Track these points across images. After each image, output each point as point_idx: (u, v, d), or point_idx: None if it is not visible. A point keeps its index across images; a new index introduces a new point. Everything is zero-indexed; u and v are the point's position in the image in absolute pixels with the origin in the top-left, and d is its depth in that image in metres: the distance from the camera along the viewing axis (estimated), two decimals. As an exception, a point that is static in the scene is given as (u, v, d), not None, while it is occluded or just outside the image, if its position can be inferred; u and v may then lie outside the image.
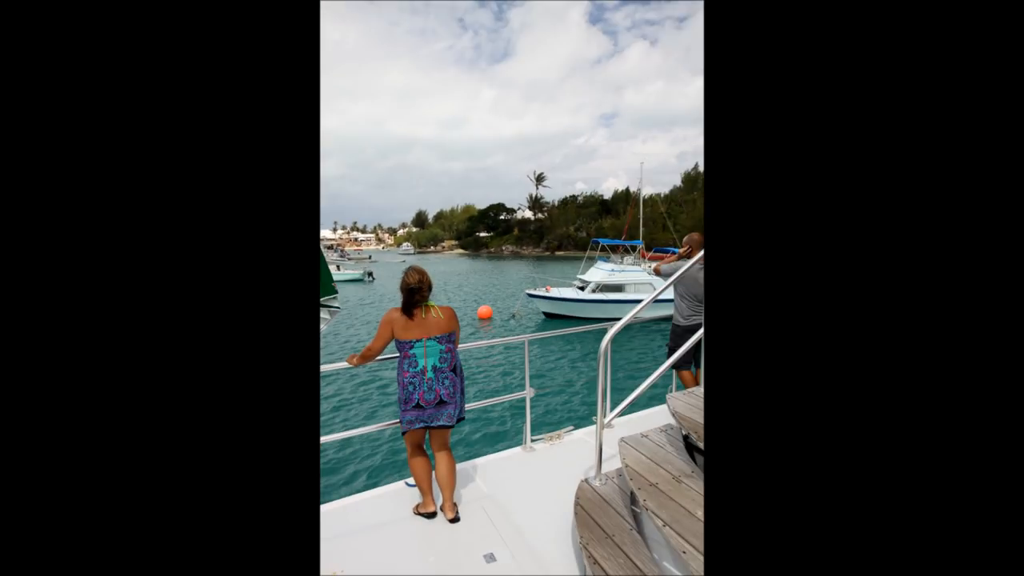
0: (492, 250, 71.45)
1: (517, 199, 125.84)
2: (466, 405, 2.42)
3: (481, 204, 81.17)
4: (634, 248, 21.19)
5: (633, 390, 2.41)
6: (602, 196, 69.97)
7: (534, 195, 74.76)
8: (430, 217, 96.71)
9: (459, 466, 2.69)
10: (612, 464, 2.27)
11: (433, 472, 2.26)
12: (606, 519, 1.92)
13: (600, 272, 17.44)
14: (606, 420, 2.28)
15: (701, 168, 68.47)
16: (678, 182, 68.61)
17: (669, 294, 3.65)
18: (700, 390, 2.56)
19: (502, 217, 76.62)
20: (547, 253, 63.76)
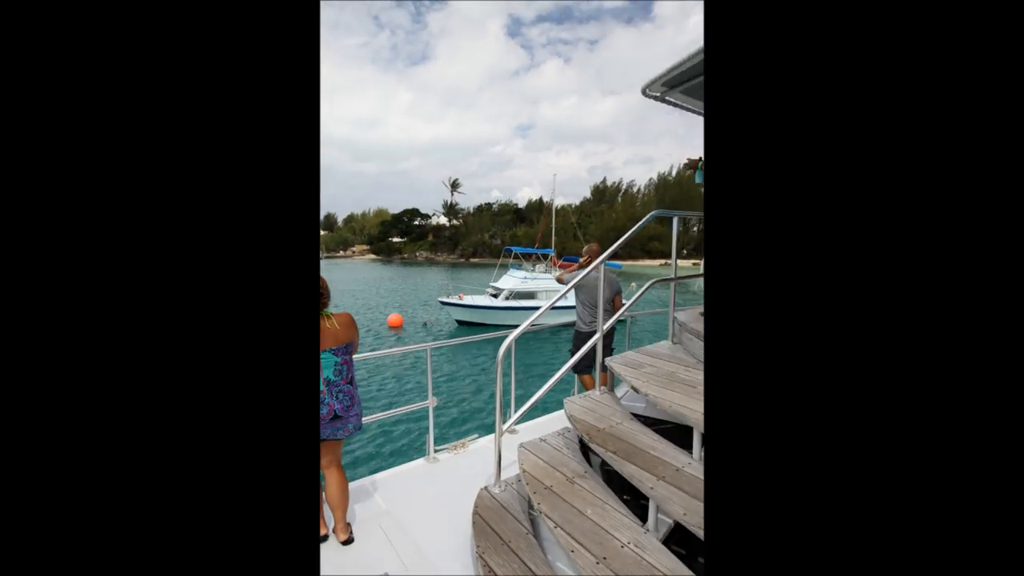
0: (405, 256, 69.70)
1: (432, 205, 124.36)
2: (365, 417, 2.31)
3: (395, 208, 79.00)
4: (546, 256, 21.88)
5: (525, 396, 2.46)
6: (517, 205, 71.45)
7: (449, 201, 74.34)
8: (339, 220, 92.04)
9: (358, 483, 2.56)
10: (515, 470, 2.30)
11: (323, 492, 2.12)
12: (503, 526, 1.93)
13: (513, 280, 17.74)
14: (505, 427, 2.30)
15: (610, 182, 72.75)
16: (588, 194, 72.31)
17: (572, 301, 3.81)
18: (596, 393, 2.69)
19: (416, 223, 75.07)
20: (462, 260, 63.57)
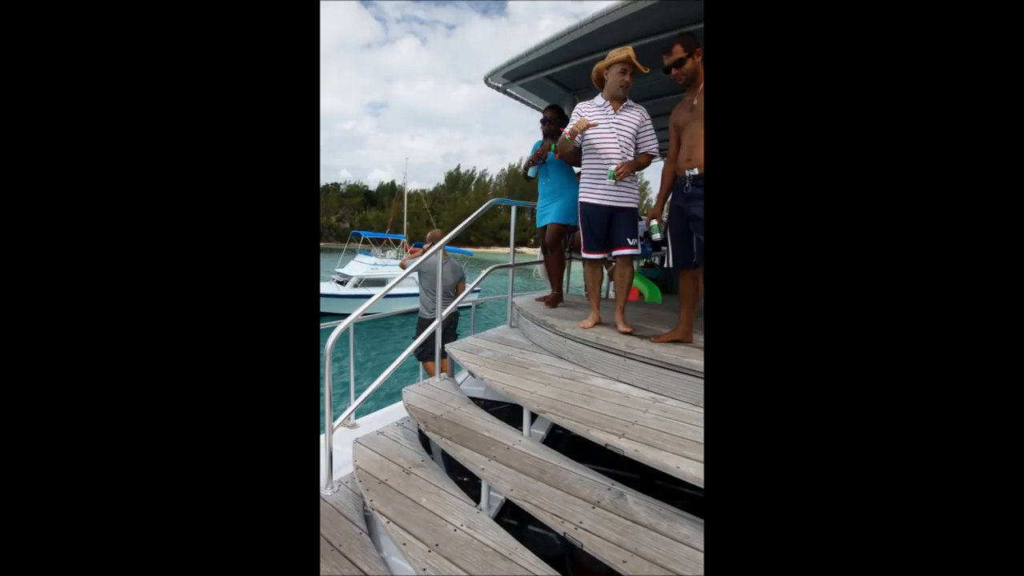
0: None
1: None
2: None
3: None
4: (397, 242, 21.19)
5: (382, 387, 2.34)
6: (368, 187, 67.70)
7: (288, 179, 66.71)
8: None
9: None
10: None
11: None
12: (335, 530, 1.80)
13: (362, 266, 16.79)
14: (337, 423, 2.15)
15: (464, 170, 73.32)
16: (442, 180, 71.91)
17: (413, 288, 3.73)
18: (436, 380, 2.68)
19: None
20: (305, 244, 57.81)
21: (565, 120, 3.01)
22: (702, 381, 1.95)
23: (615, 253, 2.46)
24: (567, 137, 2.30)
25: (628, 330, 2.36)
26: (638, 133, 2.35)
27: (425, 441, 2.29)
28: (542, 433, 2.02)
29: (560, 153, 2.55)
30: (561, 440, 2.00)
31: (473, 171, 73.24)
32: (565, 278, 3.46)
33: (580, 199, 2.45)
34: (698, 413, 1.89)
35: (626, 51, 2.24)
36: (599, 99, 2.38)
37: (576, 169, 2.99)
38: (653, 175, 2.41)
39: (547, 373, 2.30)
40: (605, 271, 2.78)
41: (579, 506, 1.53)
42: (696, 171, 2.01)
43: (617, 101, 2.34)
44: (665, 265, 2.31)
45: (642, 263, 5.37)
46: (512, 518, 1.79)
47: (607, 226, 2.41)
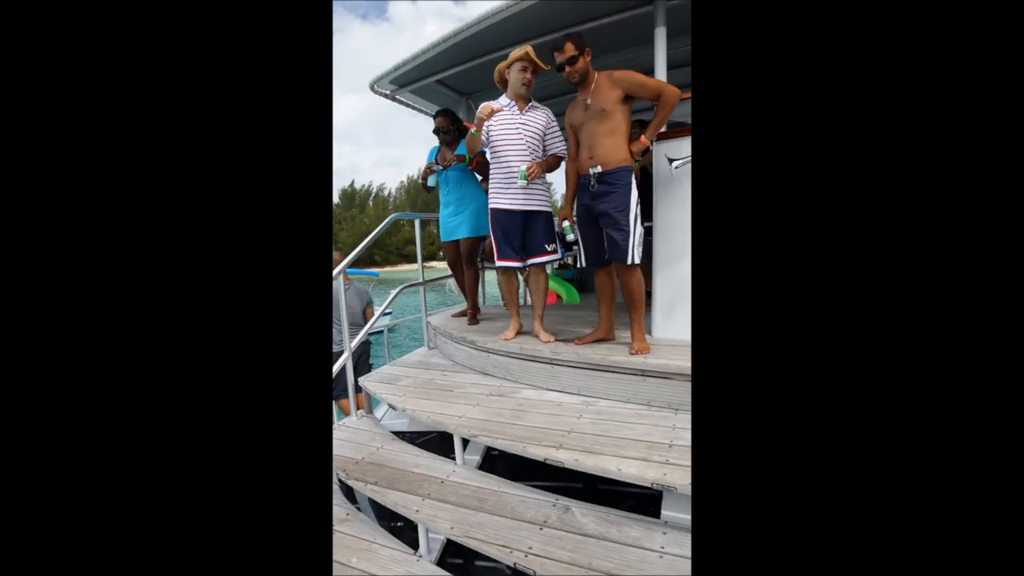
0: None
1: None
2: None
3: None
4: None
5: None
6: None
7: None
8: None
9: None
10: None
11: None
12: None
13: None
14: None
15: (359, 184, 70.50)
16: (336, 198, 68.43)
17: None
18: (353, 418, 2.43)
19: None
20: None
21: (458, 123, 2.91)
22: (630, 377, 1.96)
23: (533, 261, 2.40)
24: (474, 131, 2.20)
25: (550, 338, 2.32)
26: (545, 134, 2.32)
27: (348, 491, 2.04)
28: (477, 458, 1.90)
29: (471, 153, 2.41)
30: (498, 462, 1.89)
31: (369, 186, 70.74)
32: (480, 290, 3.37)
33: (491, 205, 2.35)
34: (630, 410, 1.89)
35: (525, 48, 2.21)
36: (503, 99, 2.32)
37: (480, 177, 2.91)
38: (554, 176, 2.39)
39: (474, 393, 2.19)
40: (521, 277, 2.73)
41: (526, 530, 1.43)
42: (599, 168, 2.02)
43: (522, 101, 2.30)
44: (578, 265, 2.30)
45: (556, 265, 5.47)
46: (457, 557, 1.65)
47: (522, 232, 2.35)
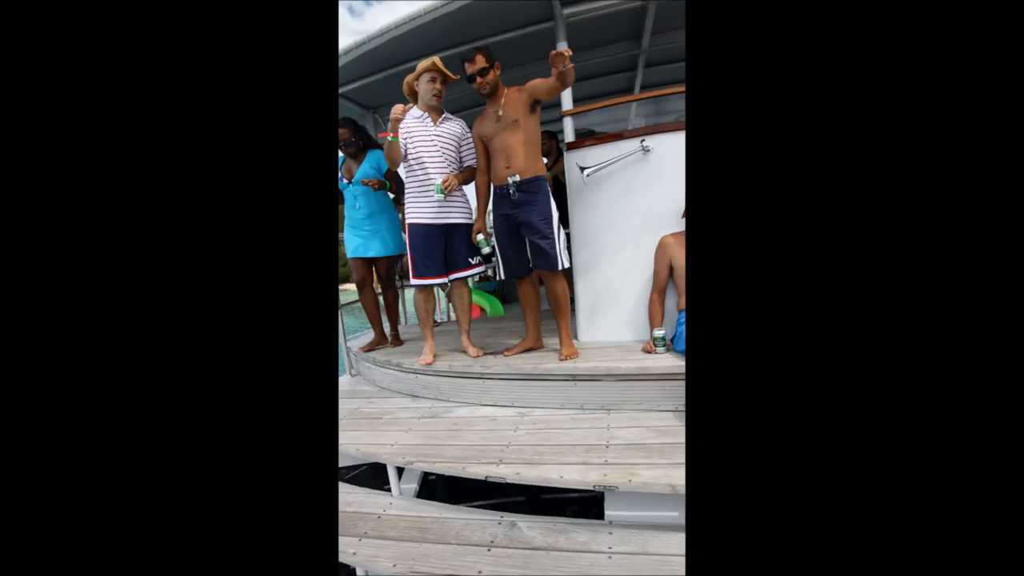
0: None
1: None
2: None
3: None
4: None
5: None
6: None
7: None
8: None
9: None
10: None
11: None
12: None
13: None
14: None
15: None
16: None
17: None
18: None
19: None
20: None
21: (363, 132, 2.79)
22: (562, 383, 1.99)
23: (455, 276, 2.35)
24: (391, 137, 2.10)
25: (479, 352, 2.29)
26: (461, 145, 2.30)
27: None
28: (414, 486, 1.80)
29: (391, 163, 2.29)
30: (437, 486, 1.82)
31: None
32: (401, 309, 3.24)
33: (408, 220, 2.27)
34: (565, 416, 1.91)
35: (432, 59, 2.18)
36: (416, 111, 2.26)
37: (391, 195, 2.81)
38: (470, 188, 2.38)
39: (405, 418, 2.09)
40: (443, 293, 2.66)
41: (473, 554, 1.38)
42: (518, 177, 2.04)
43: (435, 112, 2.26)
44: (498, 277, 2.30)
45: (477, 278, 5.44)
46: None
47: (444, 246, 2.29)
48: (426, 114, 2.24)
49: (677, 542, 1.32)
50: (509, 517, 1.53)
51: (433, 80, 2.20)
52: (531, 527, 1.47)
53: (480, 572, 1.30)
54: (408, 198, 2.28)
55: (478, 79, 2.04)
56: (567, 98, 2.24)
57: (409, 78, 2.26)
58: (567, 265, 2.07)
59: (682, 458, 1.46)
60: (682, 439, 1.59)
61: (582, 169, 2.19)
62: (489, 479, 1.52)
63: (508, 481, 1.50)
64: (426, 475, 1.80)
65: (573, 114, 2.29)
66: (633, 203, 2.21)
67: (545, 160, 3.19)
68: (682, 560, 1.23)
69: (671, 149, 2.13)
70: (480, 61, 2.02)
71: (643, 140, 2.14)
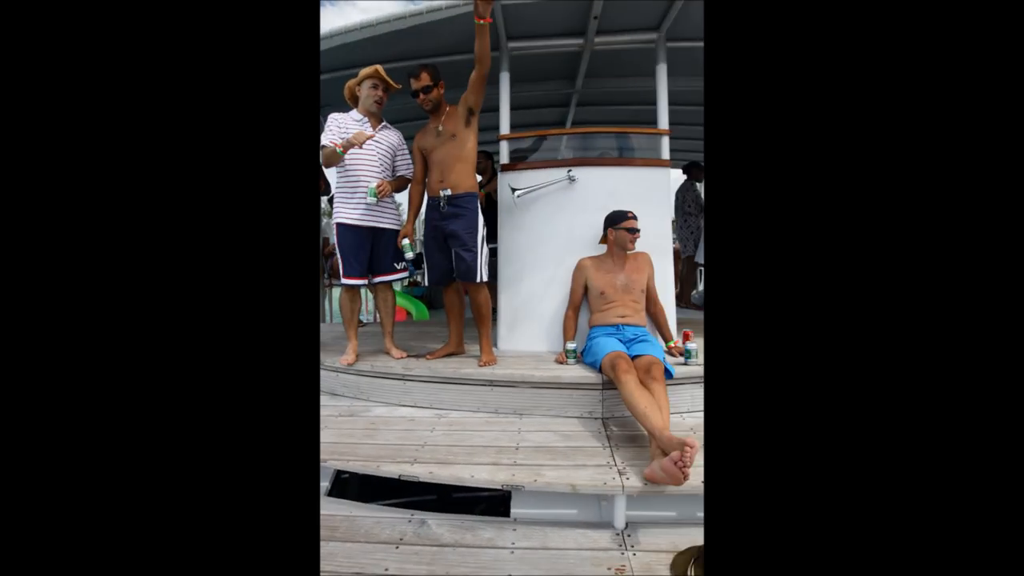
0: None
1: None
2: None
3: None
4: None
5: None
6: None
7: None
8: None
9: None
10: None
11: None
12: None
13: None
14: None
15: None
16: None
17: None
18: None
19: None
20: None
21: None
22: (479, 387, 2.09)
23: (379, 280, 2.38)
24: (339, 151, 2.10)
25: (402, 354, 2.33)
26: (396, 154, 2.34)
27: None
28: (325, 484, 1.80)
29: (324, 159, 2.26)
30: (349, 485, 1.82)
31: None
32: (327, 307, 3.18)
33: (336, 220, 2.27)
34: (480, 419, 2.01)
35: (374, 67, 2.22)
36: (356, 114, 2.27)
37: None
38: (402, 196, 2.43)
39: (322, 415, 2.06)
40: (369, 294, 2.67)
41: (381, 552, 1.42)
42: (450, 192, 2.14)
43: (374, 118, 2.29)
44: (425, 283, 2.38)
45: (406, 283, 5.40)
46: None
47: (370, 249, 2.32)
48: (366, 119, 2.27)
49: (574, 537, 1.43)
50: (420, 515, 1.58)
51: (375, 87, 2.24)
52: (440, 524, 1.53)
53: (387, 570, 1.33)
54: (338, 198, 2.29)
55: (421, 95, 2.12)
56: (505, 123, 2.39)
57: (351, 83, 2.29)
58: (485, 279, 2.18)
59: (583, 460, 1.61)
60: (584, 443, 1.74)
61: (513, 190, 2.34)
62: (402, 478, 1.57)
63: (421, 480, 1.55)
64: (339, 473, 1.81)
65: (509, 139, 2.45)
66: (557, 226, 2.41)
67: (480, 178, 3.32)
68: (577, 553, 1.36)
69: (594, 181, 2.36)
70: (425, 79, 2.10)
71: (570, 171, 2.35)
